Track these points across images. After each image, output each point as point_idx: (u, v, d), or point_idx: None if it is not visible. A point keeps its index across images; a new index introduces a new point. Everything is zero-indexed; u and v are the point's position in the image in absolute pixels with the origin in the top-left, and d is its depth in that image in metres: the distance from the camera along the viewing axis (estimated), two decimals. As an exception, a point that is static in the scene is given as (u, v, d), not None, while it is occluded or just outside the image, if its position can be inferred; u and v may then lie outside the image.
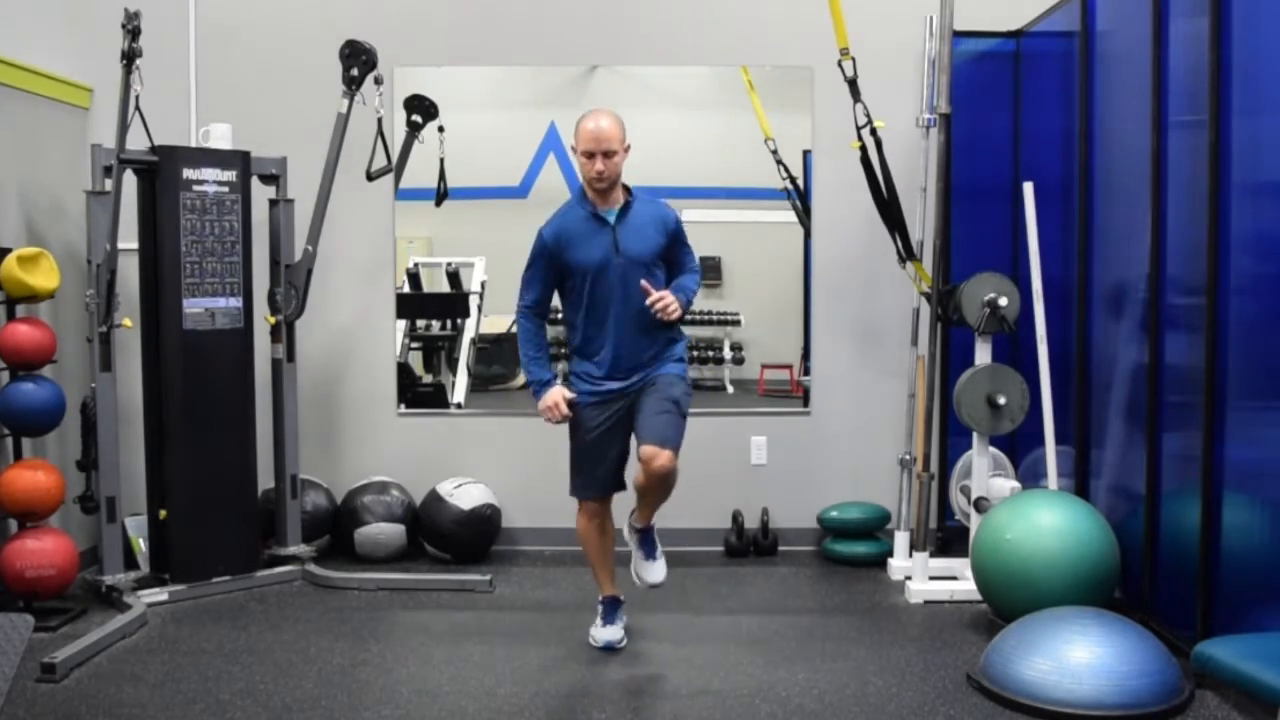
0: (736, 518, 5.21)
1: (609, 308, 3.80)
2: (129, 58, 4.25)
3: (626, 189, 3.86)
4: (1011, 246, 4.97)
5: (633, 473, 3.87)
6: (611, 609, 4.02)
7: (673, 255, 3.92)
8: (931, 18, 4.87)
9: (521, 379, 5.51)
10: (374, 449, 5.31)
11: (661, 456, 3.68)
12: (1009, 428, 4.46)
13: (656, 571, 3.94)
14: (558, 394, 3.85)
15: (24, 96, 4.56)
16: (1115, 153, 4.21)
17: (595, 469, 3.90)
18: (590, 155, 3.73)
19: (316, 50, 4.95)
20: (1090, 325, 4.38)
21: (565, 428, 3.94)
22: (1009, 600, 3.89)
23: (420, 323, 5.54)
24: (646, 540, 3.95)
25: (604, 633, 3.98)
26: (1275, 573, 3.21)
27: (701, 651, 3.90)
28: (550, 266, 3.85)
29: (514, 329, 5.44)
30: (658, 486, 3.76)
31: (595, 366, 3.86)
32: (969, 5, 4.86)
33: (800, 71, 5.21)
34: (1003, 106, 5.14)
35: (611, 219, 3.81)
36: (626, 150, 3.79)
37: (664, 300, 3.71)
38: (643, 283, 3.75)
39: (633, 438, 3.87)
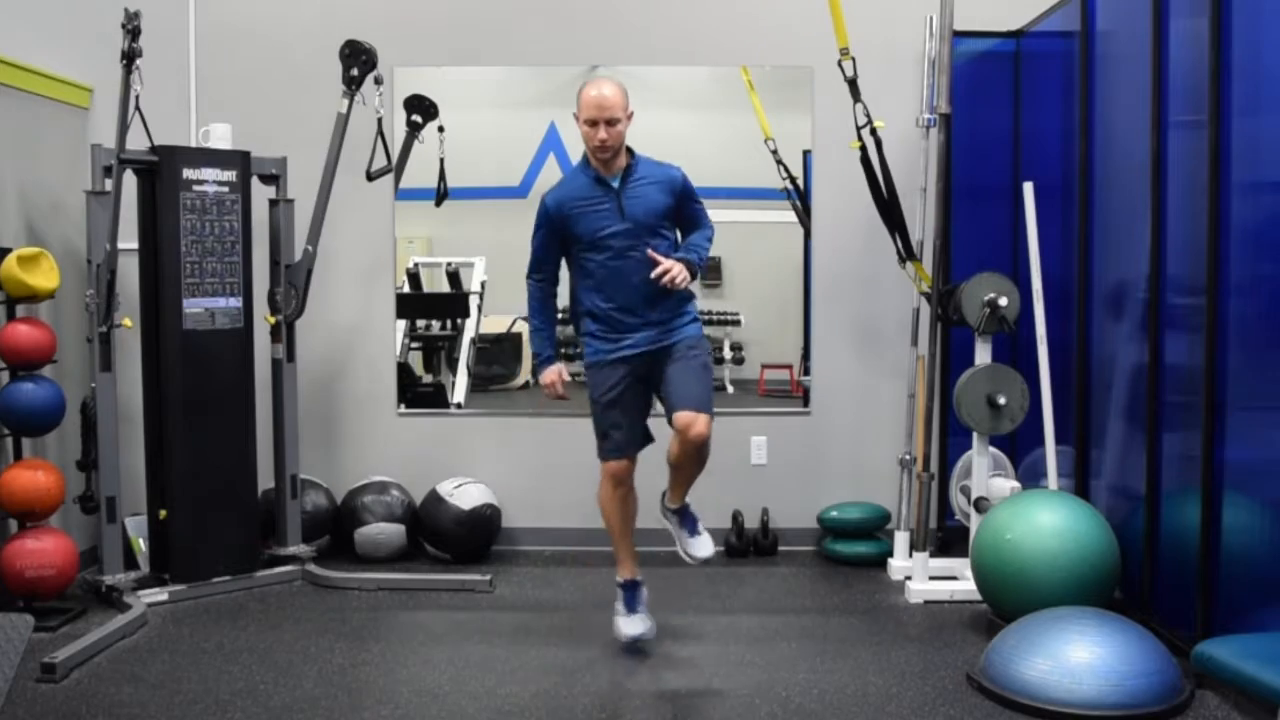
0: (736, 518, 5.21)
1: (616, 273, 3.77)
2: (129, 58, 4.25)
3: (630, 151, 3.83)
4: (1011, 246, 4.97)
5: (662, 441, 3.85)
6: (632, 594, 3.93)
7: (683, 214, 3.88)
8: (931, 18, 4.87)
9: (522, 379, 5.53)
10: (374, 449, 5.31)
11: (699, 422, 3.66)
12: (1009, 428, 4.46)
13: (704, 546, 3.90)
14: (555, 373, 3.89)
15: (24, 96, 4.55)
16: (1115, 153, 4.21)
17: (615, 429, 3.84)
18: (593, 124, 3.70)
19: (316, 50, 4.96)
20: (1090, 325, 4.38)
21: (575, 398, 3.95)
22: (1009, 600, 3.89)
23: (420, 323, 5.54)
24: (686, 519, 3.93)
25: (629, 625, 3.90)
26: (1275, 573, 3.21)
27: (701, 651, 3.90)
28: (554, 234, 3.84)
29: (514, 329, 5.48)
30: (693, 456, 3.74)
31: (606, 328, 3.83)
32: (969, 5, 4.86)
33: (800, 71, 5.21)
34: (1003, 106, 5.14)
35: (615, 184, 3.78)
36: (629, 117, 3.76)
37: (670, 272, 3.66)
38: (649, 252, 3.71)
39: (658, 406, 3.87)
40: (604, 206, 3.77)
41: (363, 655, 3.86)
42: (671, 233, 3.87)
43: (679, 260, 3.72)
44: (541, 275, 3.91)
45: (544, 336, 3.94)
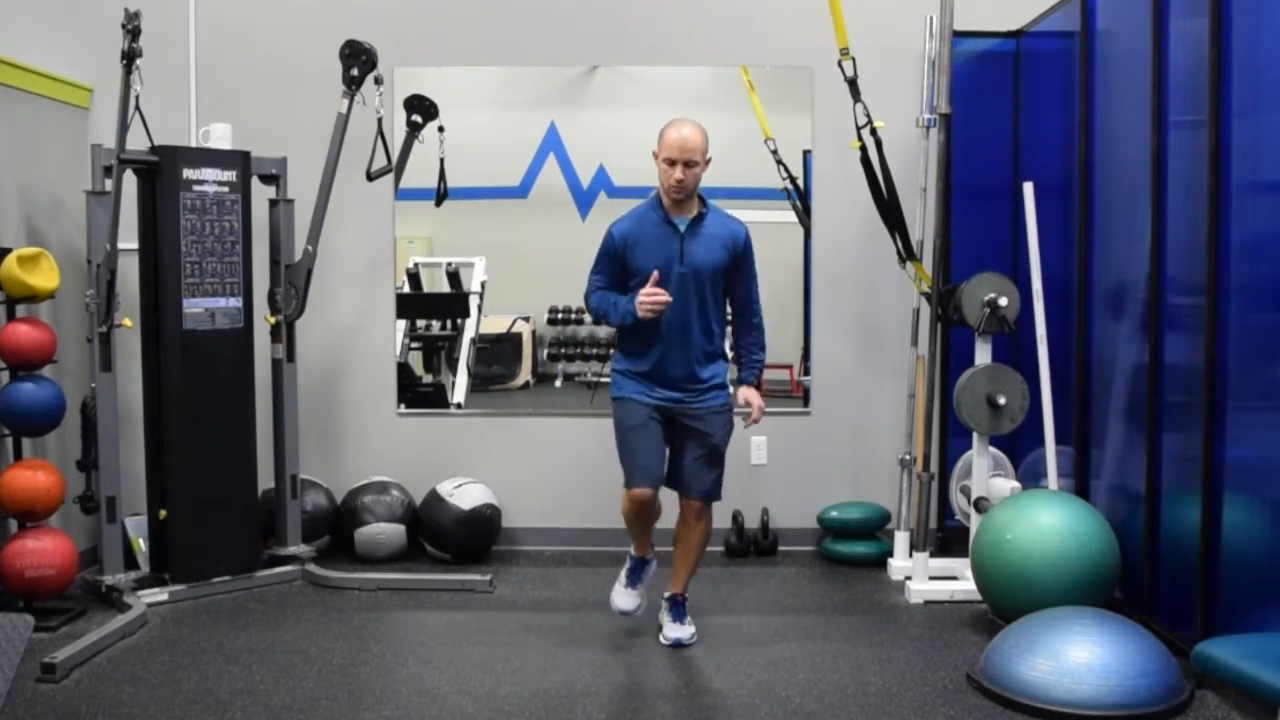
0: (736, 518, 5.21)
1: (664, 314, 3.78)
2: (129, 58, 4.25)
3: (702, 200, 3.88)
4: (1011, 246, 4.97)
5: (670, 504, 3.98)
6: (638, 569, 4.02)
7: (735, 275, 3.91)
8: (931, 18, 4.87)
9: (521, 379, 5.53)
10: (374, 449, 5.31)
11: (705, 511, 3.95)
12: (1009, 428, 4.46)
13: (683, 630, 3.98)
14: (641, 296, 3.75)
15: (24, 96, 4.56)
16: (1115, 153, 4.21)
17: (637, 454, 3.86)
18: (671, 163, 3.75)
19: (316, 50, 4.96)
20: (1090, 325, 4.38)
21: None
22: (1009, 600, 3.89)
23: (420, 323, 5.54)
24: (676, 607, 4.02)
25: (622, 597, 4.00)
26: (1275, 573, 3.21)
27: (701, 651, 3.90)
28: (615, 265, 3.88)
29: (514, 329, 5.48)
30: (699, 533, 3.95)
31: (641, 364, 3.87)
32: (969, 5, 4.86)
33: (800, 71, 5.21)
34: (1003, 106, 5.14)
35: (683, 227, 3.82)
36: (707, 162, 3.81)
37: (755, 418, 3.98)
38: (737, 407, 3.94)
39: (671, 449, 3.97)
40: (667, 247, 3.81)
41: (363, 655, 3.85)
42: (721, 288, 3.90)
43: (749, 387, 4.00)
44: (602, 288, 3.94)
45: (616, 300, 3.85)
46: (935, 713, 3.34)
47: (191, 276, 4.48)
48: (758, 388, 4.03)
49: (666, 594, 4.04)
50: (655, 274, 3.76)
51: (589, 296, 3.97)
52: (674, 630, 3.97)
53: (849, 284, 5.26)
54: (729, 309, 4.01)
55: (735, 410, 3.99)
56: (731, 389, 4.02)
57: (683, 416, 3.89)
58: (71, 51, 4.96)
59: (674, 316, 3.80)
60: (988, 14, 5.04)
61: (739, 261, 3.90)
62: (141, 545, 4.74)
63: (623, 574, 4.03)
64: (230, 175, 4.58)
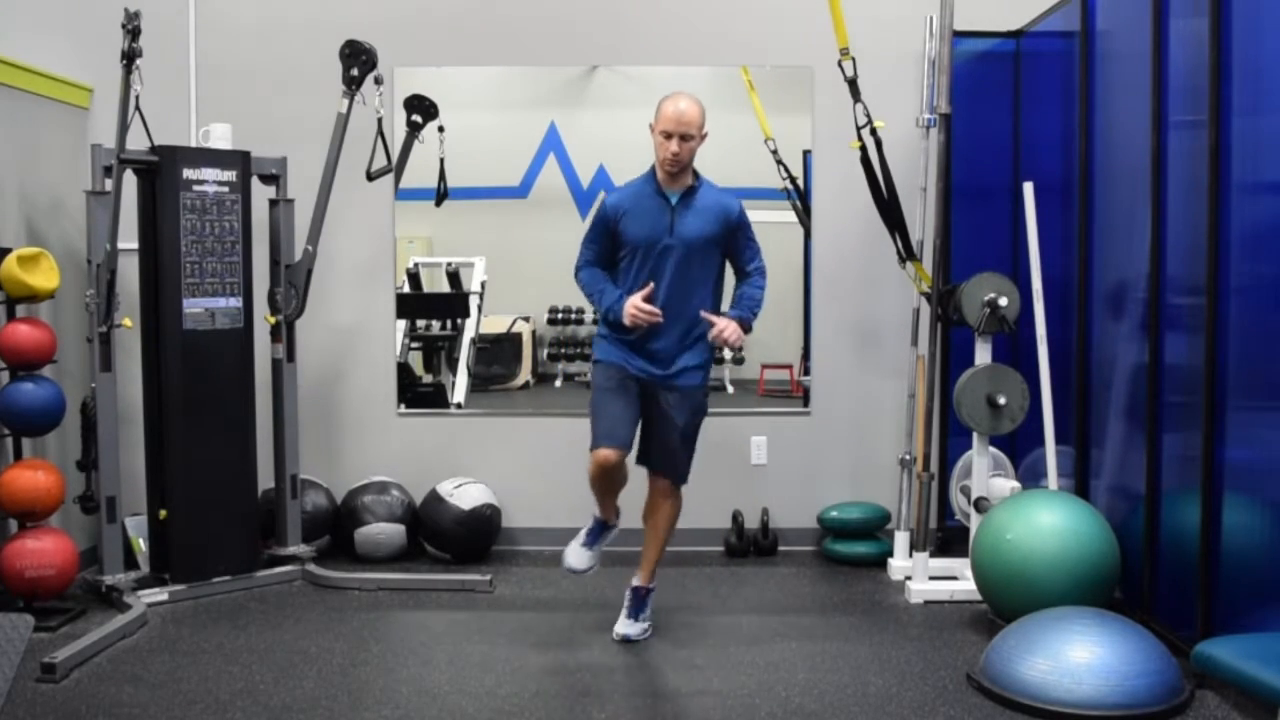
0: (736, 518, 5.21)
1: (654, 286, 3.82)
2: (129, 58, 4.25)
3: (695, 173, 3.90)
4: (1011, 246, 4.97)
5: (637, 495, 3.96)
6: (598, 530, 4.05)
7: (733, 247, 3.95)
8: (931, 18, 4.87)
9: (521, 379, 5.53)
10: (374, 449, 5.31)
11: (671, 493, 3.97)
12: (1009, 428, 4.46)
13: (633, 627, 3.98)
14: (632, 305, 3.77)
15: (24, 96, 4.56)
16: (1115, 152, 4.21)
17: (606, 416, 3.85)
18: (668, 136, 3.78)
19: (316, 50, 4.96)
20: (1090, 325, 4.38)
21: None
22: (1009, 600, 3.89)
23: (420, 323, 5.54)
24: (638, 603, 4.01)
25: (575, 556, 4.04)
26: (1275, 573, 3.21)
27: (701, 651, 3.90)
28: (606, 234, 3.91)
29: (514, 328, 5.48)
30: (667, 513, 3.95)
31: (618, 338, 3.89)
32: (969, 5, 4.86)
33: (800, 71, 5.21)
34: (1003, 106, 5.14)
35: (674, 200, 3.85)
36: (703, 137, 3.84)
37: (723, 334, 3.78)
38: (703, 314, 3.82)
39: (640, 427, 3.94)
40: (657, 219, 3.84)
41: (363, 655, 3.86)
42: (716, 260, 3.92)
43: (734, 319, 3.85)
44: (591, 263, 3.94)
45: (608, 287, 3.88)
46: (935, 713, 3.34)
47: (191, 276, 4.48)
48: (746, 329, 3.90)
49: (635, 582, 4.03)
50: (650, 287, 3.80)
51: (579, 270, 3.98)
52: (624, 625, 3.98)
53: (849, 284, 5.26)
54: (725, 278, 4.01)
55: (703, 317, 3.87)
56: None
57: (657, 391, 3.89)
58: (71, 51, 4.96)
59: (663, 290, 3.82)
60: (988, 14, 5.04)
61: (733, 234, 3.91)
62: (141, 545, 4.74)
63: (582, 533, 4.06)
64: (230, 175, 4.58)
